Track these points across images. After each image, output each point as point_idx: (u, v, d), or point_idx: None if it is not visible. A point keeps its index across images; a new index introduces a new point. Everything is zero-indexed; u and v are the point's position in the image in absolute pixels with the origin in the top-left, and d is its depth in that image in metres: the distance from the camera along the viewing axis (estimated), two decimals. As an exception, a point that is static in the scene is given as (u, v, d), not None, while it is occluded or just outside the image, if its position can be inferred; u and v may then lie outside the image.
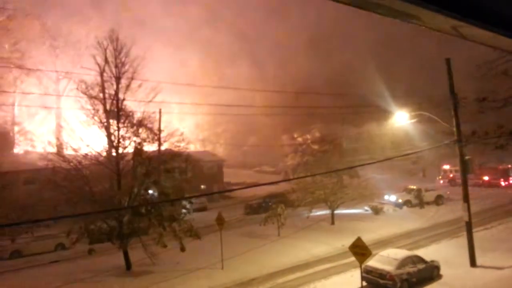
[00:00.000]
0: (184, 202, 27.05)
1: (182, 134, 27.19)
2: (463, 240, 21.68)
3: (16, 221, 25.30)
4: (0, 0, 45.98)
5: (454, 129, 20.67)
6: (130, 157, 24.05)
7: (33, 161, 34.67)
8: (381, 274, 18.10)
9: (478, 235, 23.45)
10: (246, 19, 71.52)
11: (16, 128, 50.85)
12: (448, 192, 39.30)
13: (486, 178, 45.79)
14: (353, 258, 16.50)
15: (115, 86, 23.67)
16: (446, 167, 49.10)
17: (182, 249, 22.40)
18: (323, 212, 32.93)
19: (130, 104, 24.29)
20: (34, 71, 47.67)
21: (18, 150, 49.16)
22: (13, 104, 50.21)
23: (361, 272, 16.18)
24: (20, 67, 47.92)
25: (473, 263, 20.51)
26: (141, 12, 65.00)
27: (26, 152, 45.99)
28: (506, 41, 2.24)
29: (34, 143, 47.46)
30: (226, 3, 72.01)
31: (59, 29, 53.94)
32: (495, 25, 2.08)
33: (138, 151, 23.56)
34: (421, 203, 37.16)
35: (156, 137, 25.68)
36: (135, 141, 23.80)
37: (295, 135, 64.22)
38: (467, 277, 19.35)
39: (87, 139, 23.77)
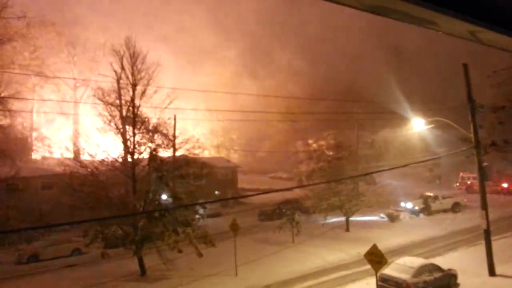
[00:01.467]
0: (197, 208, 27.11)
1: (198, 140, 27.37)
2: (481, 249, 21.25)
3: (33, 225, 25.69)
4: (19, 9, 47.13)
5: (472, 135, 20.38)
6: (145, 162, 24.28)
7: (51, 167, 35.34)
8: (397, 283, 17.87)
9: (497, 243, 22.93)
10: (261, 25, 71.84)
11: (34, 134, 51.84)
12: (466, 200, 38.65)
13: (505, 185, 44.89)
14: (368, 266, 16.30)
15: (131, 93, 23.97)
16: (464, 174, 48.32)
17: (199, 254, 22.44)
18: (338, 219, 32.67)
19: (145, 110, 24.57)
20: (52, 78, 48.59)
21: (36, 155, 50.07)
22: (31, 111, 51.23)
23: (377, 280, 15.98)
24: (39, 74, 48.91)
25: (491, 272, 20.09)
26: (156, 19, 65.82)
27: (44, 158, 46.83)
28: None
29: (52, 149, 48.31)
30: (244, 8, 72.46)
31: (77, 36, 54.99)
32: None
33: (153, 156, 23.78)
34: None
35: (171, 143, 25.89)
36: (150, 147, 24.03)
37: (310, 141, 63.98)
38: (486, 287, 18.97)
39: (103, 145, 24.10)
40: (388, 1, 1.76)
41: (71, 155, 28.42)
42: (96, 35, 55.01)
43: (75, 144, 32.57)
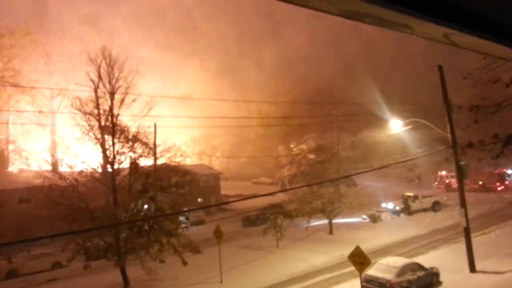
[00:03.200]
0: (181, 217, 26.86)
1: (179, 149, 27.12)
2: (461, 246, 21.63)
3: (12, 240, 25.05)
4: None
5: (449, 135, 20.80)
6: (126, 172, 23.95)
7: (28, 179, 34.47)
8: (381, 283, 18.02)
9: (477, 240, 23.43)
10: (240, 30, 72.03)
11: (10, 147, 50.54)
12: (445, 198, 39.32)
13: (482, 182, 45.87)
14: (352, 268, 16.44)
15: (109, 102, 23.63)
16: (442, 173, 49.19)
17: (184, 263, 22.22)
18: (321, 222, 32.83)
19: (125, 119, 24.26)
20: (28, 89, 47.58)
21: (12, 168, 48.79)
22: (7, 122, 49.99)
23: (361, 281, 16.11)
24: (14, 85, 47.83)
25: (472, 268, 20.46)
26: (134, 26, 65.29)
27: (21, 171, 45.68)
28: (498, 47, 2.23)
29: (29, 161, 47.18)
30: (221, 14, 72.57)
31: (52, 46, 54.03)
32: (486, 31, 2.07)
33: (134, 166, 23.48)
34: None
35: (152, 152, 25.62)
36: (130, 157, 23.72)
37: (291, 146, 64.26)
38: (467, 283, 19.30)
39: (82, 155, 23.68)
40: (361, 6, 1.73)
41: (49, 167, 27.83)
42: (72, 43, 54.18)
43: (53, 156, 31.86)
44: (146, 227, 22.34)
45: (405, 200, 38.05)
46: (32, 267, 27.76)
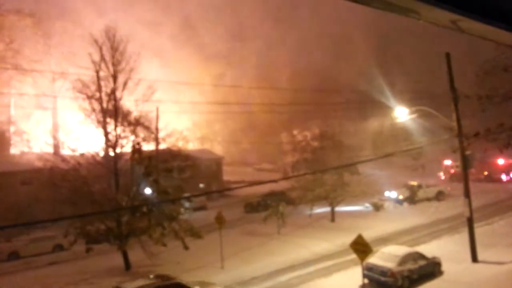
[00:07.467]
0: (183, 201, 26.82)
1: (181, 133, 26.97)
2: (464, 236, 21.53)
3: (13, 222, 25.06)
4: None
5: (455, 123, 20.46)
6: (128, 156, 23.82)
7: (30, 162, 34.43)
8: (383, 271, 17.95)
9: (480, 230, 23.27)
10: (243, 16, 71.19)
11: (12, 129, 50.43)
12: (449, 188, 39.11)
13: (487, 173, 45.57)
14: (354, 256, 16.32)
15: (111, 84, 23.37)
16: (447, 162, 48.83)
17: (186, 247, 22.24)
18: (324, 209, 32.74)
19: (127, 102, 24.03)
20: (29, 71, 47.29)
21: (14, 150, 48.76)
22: (8, 104, 49.80)
23: (362, 269, 16.00)
24: (15, 66, 47.52)
25: (474, 258, 20.37)
26: (136, 10, 64.61)
27: (23, 153, 45.66)
28: (504, 34, 2.24)
29: (31, 143, 47.09)
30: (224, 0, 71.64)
31: (54, 27, 53.53)
32: (493, 18, 2.07)
33: (136, 150, 23.34)
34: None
35: (153, 136, 25.45)
36: (132, 140, 23.56)
37: (294, 132, 63.84)
38: (469, 273, 19.20)
39: (84, 138, 23.53)
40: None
41: (50, 150, 27.73)
42: (73, 24, 53.65)
43: (54, 138, 31.76)
44: (144, 210, 22.30)
45: (410, 188, 37.84)
46: (33, 250, 27.87)
